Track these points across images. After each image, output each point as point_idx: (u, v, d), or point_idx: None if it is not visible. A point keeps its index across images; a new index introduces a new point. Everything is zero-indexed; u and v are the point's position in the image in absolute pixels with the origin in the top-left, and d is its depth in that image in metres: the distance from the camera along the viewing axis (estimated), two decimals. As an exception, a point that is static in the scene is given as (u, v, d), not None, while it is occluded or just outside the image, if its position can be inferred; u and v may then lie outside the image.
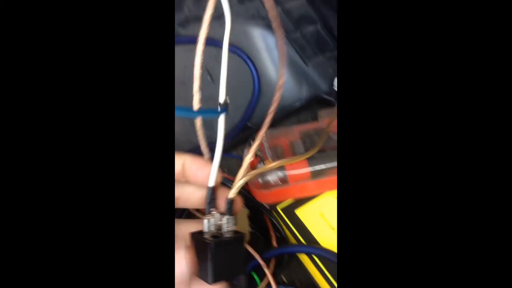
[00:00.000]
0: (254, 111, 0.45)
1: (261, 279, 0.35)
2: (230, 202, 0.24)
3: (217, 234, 0.24)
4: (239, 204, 0.26)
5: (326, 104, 0.47)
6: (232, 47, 0.45)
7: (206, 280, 0.22)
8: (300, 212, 0.36)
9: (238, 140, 0.44)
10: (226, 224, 0.24)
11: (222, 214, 0.24)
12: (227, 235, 0.24)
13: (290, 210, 0.36)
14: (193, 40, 0.45)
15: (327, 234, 0.35)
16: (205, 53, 0.46)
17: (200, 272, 0.23)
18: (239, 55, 0.46)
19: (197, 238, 0.23)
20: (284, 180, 0.36)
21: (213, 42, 0.45)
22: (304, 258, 0.35)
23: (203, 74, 0.47)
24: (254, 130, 0.44)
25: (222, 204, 0.25)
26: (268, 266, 0.34)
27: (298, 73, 0.47)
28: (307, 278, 0.36)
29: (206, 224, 0.24)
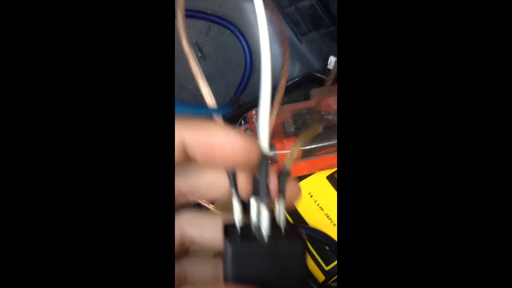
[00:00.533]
0: (245, 88, 0.44)
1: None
2: (287, 176, 0.15)
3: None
4: (295, 193, 0.16)
5: (318, 83, 0.47)
6: (222, 21, 0.44)
7: None
8: (289, 192, 0.36)
9: (228, 117, 0.43)
10: (282, 210, 0.15)
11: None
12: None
13: (279, 190, 0.36)
14: (188, 14, 0.44)
15: (315, 215, 0.35)
16: (195, 27, 0.45)
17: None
18: (231, 30, 0.44)
19: (255, 242, 0.14)
20: (273, 160, 0.36)
21: (204, 16, 0.44)
22: (292, 237, 0.36)
23: (193, 50, 0.46)
24: (246, 108, 0.43)
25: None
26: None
27: (291, 51, 0.46)
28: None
29: (266, 215, 0.14)
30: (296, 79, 0.45)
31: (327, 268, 0.33)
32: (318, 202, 0.36)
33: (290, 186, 0.15)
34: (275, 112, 0.15)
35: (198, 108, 0.15)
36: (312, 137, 0.16)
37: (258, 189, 0.15)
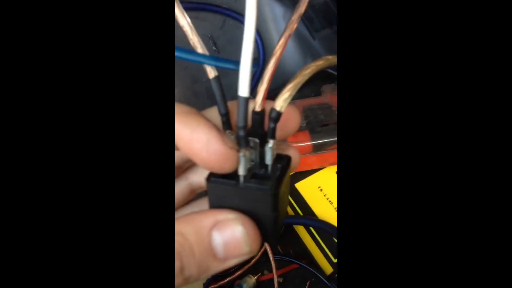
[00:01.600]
0: (258, 83, 0.45)
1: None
2: (278, 118, 0.15)
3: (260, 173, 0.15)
4: (294, 122, 0.17)
5: (330, 79, 0.47)
6: (237, 15, 0.44)
7: (270, 242, 0.16)
8: (300, 185, 0.37)
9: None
10: (272, 151, 0.15)
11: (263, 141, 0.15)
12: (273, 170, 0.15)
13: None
14: (195, 7, 0.44)
15: (324, 208, 0.35)
16: (210, 20, 0.45)
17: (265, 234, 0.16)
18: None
19: (230, 185, 0.15)
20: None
21: (219, 9, 0.44)
22: (300, 230, 0.36)
23: (207, 43, 0.46)
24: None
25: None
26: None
27: (303, 47, 0.46)
28: (302, 248, 0.37)
29: (244, 163, 0.15)
30: (308, 74, 0.45)
31: (335, 260, 0.33)
32: (328, 196, 0.36)
33: (287, 116, 0.15)
34: (270, 71, 0.15)
35: (197, 56, 0.15)
36: (316, 71, 0.15)
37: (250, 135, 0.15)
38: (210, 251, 0.15)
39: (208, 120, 0.15)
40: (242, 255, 0.15)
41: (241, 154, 0.15)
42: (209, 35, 0.44)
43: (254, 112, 0.15)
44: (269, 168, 0.15)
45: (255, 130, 0.15)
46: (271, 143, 0.15)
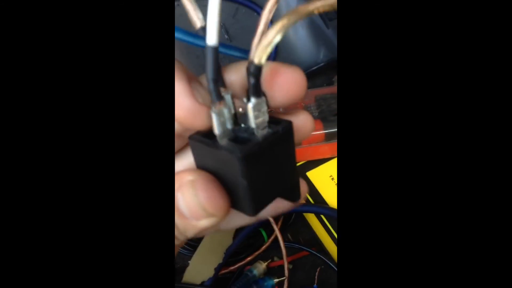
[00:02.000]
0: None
1: (269, 236, 0.36)
2: (257, 72, 0.13)
3: (243, 136, 0.14)
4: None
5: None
6: (250, 3, 0.44)
7: (246, 212, 0.14)
8: (311, 174, 0.37)
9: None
10: (253, 111, 0.13)
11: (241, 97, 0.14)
12: (260, 133, 0.14)
13: (301, 172, 0.37)
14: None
15: (335, 196, 0.35)
16: (222, 9, 0.45)
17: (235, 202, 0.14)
18: (257, 12, 0.44)
19: (205, 144, 0.14)
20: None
21: (232, -2, 0.44)
22: (310, 218, 0.36)
23: (220, 31, 0.46)
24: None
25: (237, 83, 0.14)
26: (276, 223, 0.35)
27: (317, 35, 0.46)
28: (311, 236, 0.37)
29: (217, 120, 0.13)
30: (321, 64, 0.45)
31: (345, 249, 0.34)
32: (339, 185, 0.36)
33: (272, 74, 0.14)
34: (265, 19, 0.13)
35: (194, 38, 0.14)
36: (309, 14, 0.12)
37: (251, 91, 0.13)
38: (179, 211, 0.15)
39: (182, 71, 0.13)
40: (204, 218, 0.14)
41: (213, 110, 0.13)
42: (221, 24, 0.44)
43: (247, 69, 0.13)
44: (256, 132, 0.13)
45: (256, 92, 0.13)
46: (252, 101, 0.13)
